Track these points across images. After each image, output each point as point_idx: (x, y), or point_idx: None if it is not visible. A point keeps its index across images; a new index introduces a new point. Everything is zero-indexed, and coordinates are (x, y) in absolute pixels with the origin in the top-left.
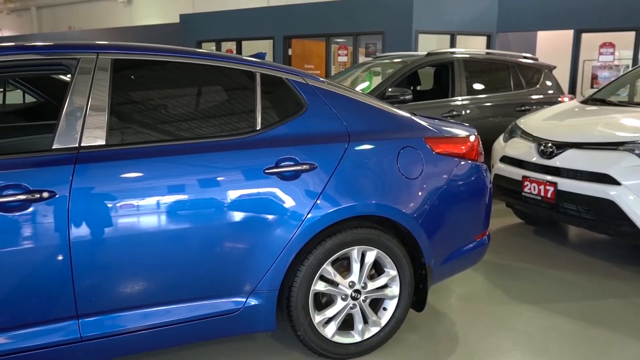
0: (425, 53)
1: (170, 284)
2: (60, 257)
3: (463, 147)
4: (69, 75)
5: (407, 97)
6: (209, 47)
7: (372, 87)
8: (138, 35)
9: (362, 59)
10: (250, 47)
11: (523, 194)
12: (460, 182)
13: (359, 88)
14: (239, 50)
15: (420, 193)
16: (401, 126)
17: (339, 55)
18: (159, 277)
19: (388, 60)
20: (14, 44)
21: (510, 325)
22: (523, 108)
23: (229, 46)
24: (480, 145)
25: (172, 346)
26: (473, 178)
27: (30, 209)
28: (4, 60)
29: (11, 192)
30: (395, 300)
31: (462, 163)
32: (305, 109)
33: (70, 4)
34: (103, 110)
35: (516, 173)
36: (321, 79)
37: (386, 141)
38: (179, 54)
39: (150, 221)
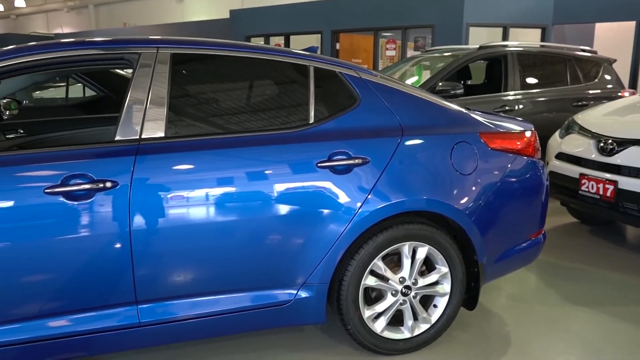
0: (478, 46)
1: (223, 274)
2: (121, 245)
3: (519, 143)
4: (125, 70)
5: (458, 91)
6: (257, 42)
7: (422, 81)
8: (189, 30)
9: (410, 52)
10: (299, 42)
11: (580, 192)
12: (516, 179)
13: (408, 82)
14: (287, 44)
15: (473, 189)
16: (455, 121)
17: (387, 49)
18: (212, 267)
19: (438, 54)
20: (79, 39)
21: (563, 327)
22: (580, 103)
23: (277, 41)
24: (537, 141)
25: (224, 335)
26: (529, 175)
27: (94, 198)
28: (71, 55)
29: (77, 181)
30: (446, 298)
31: (518, 159)
32: (358, 102)
33: (126, 1)
34: (162, 103)
35: (573, 170)
36: (374, 72)
37: (440, 136)
38: (234, 48)
39: (204, 212)
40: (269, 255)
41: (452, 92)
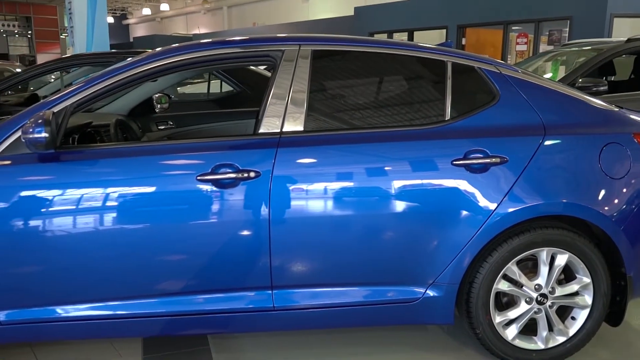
0: (625, 39)
1: (354, 266)
2: (261, 232)
3: None
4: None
5: (602, 88)
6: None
7: (557, 78)
8: (314, 28)
9: (542, 47)
10: (422, 38)
11: None
12: None
13: None
14: (410, 41)
15: (624, 194)
16: (606, 120)
17: (517, 43)
18: (343, 259)
19: (577, 48)
20: (227, 39)
21: None
22: None
23: (399, 37)
24: None
25: (350, 327)
26: None
27: (239, 187)
28: (221, 53)
29: (225, 170)
30: (587, 311)
31: None
32: (497, 99)
33: (255, 2)
34: (302, 99)
35: None
36: (515, 67)
37: (587, 136)
38: (372, 45)
39: (339, 205)
40: (399, 252)
41: (594, 89)
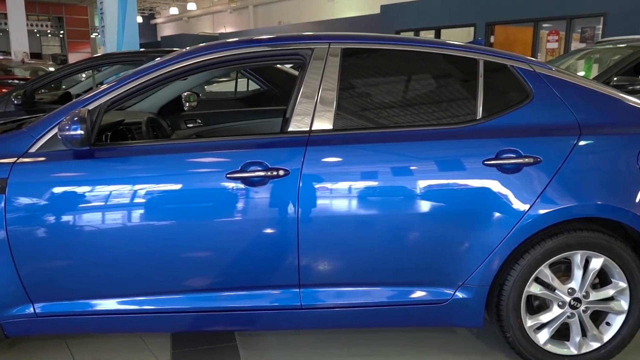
0: None
1: (382, 266)
2: (290, 230)
3: None
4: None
5: (638, 87)
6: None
7: (591, 76)
8: (339, 27)
9: (574, 45)
10: (450, 36)
11: None
12: None
13: None
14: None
15: None
16: None
17: (548, 41)
18: (373, 258)
19: (611, 46)
20: (257, 37)
21: None
22: None
23: (425, 35)
24: None
25: (377, 327)
26: None
27: (268, 185)
28: (251, 52)
29: (254, 168)
30: (623, 316)
31: None
32: (530, 97)
33: (281, 1)
34: (332, 97)
35: None
36: (549, 65)
37: (625, 136)
38: (402, 43)
39: (367, 204)
40: (428, 252)
41: (630, 87)
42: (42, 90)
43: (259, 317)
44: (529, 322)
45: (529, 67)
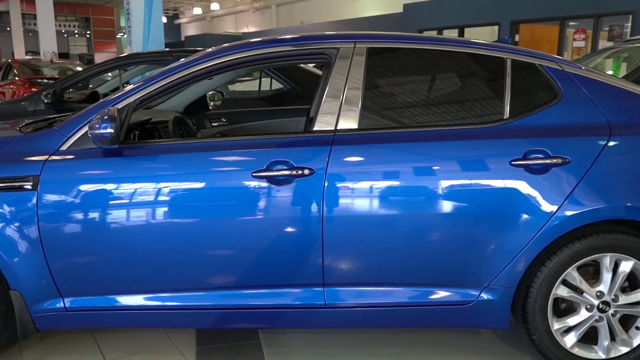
0: None
1: (407, 266)
2: (315, 229)
3: None
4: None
5: None
6: None
7: (620, 75)
8: (361, 26)
9: (601, 43)
10: (474, 35)
11: None
12: None
13: None
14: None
15: None
16: None
17: (574, 40)
18: (397, 258)
19: None
20: (282, 37)
21: None
22: None
23: (449, 34)
24: None
25: (401, 327)
26: None
27: (293, 184)
28: (277, 51)
29: (280, 167)
30: None
31: None
32: (559, 97)
33: (303, 0)
34: (357, 96)
35: None
36: (578, 64)
37: None
38: (428, 42)
39: (392, 204)
40: (454, 253)
41: None
42: (70, 89)
43: (283, 315)
44: (555, 325)
45: (558, 66)
